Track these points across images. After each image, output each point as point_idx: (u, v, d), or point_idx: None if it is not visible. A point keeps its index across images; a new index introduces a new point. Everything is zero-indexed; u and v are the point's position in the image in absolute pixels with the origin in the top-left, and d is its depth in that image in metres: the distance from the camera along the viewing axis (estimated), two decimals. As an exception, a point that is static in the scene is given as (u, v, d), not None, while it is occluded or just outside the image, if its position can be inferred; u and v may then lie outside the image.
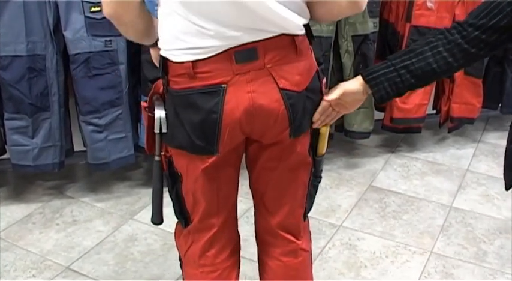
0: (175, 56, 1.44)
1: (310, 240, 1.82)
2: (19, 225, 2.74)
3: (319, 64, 1.73)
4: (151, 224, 1.72)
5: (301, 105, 1.49)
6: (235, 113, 1.43)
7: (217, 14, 1.36)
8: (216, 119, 1.42)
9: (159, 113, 1.52)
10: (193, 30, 1.39)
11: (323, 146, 1.64)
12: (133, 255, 2.54)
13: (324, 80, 1.59)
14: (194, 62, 1.41)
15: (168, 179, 1.63)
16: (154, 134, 1.55)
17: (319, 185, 1.76)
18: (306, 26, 1.48)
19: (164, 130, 1.52)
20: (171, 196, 1.66)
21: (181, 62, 1.42)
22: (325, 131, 1.61)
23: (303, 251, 1.74)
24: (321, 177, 1.73)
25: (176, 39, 1.42)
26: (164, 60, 1.47)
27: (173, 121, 1.50)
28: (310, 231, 1.83)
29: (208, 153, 1.48)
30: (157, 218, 1.69)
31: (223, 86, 1.41)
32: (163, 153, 1.59)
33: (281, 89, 1.44)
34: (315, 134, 1.61)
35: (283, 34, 1.42)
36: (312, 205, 1.76)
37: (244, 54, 1.40)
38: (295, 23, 1.42)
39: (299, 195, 1.66)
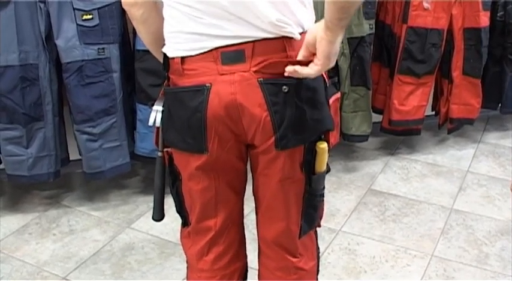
0: (169, 52, 1.45)
1: (316, 258, 1.73)
2: (15, 236, 2.72)
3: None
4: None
5: (290, 112, 1.42)
6: (218, 111, 1.40)
7: (205, 10, 1.35)
8: (200, 117, 1.41)
9: (157, 108, 1.54)
10: (183, 26, 1.39)
11: (321, 163, 1.52)
12: (130, 264, 2.51)
13: (336, 96, 1.51)
14: (183, 58, 1.41)
15: (169, 177, 1.62)
16: (158, 129, 1.56)
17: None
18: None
19: (158, 124, 1.54)
20: (172, 194, 1.65)
21: (173, 57, 1.44)
22: (323, 148, 1.50)
23: (300, 269, 1.66)
24: (322, 195, 1.61)
25: (170, 34, 1.44)
26: (164, 55, 1.48)
27: (168, 118, 1.50)
28: (317, 248, 1.74)
29: (198, 151, 1.47)
30: (157, 215, 1.67)
31: (207, 85, 1.40)
32: (166, 149, 1.58)
33: (264, 83, 1.39)
34: (312, 151, 1.50)
35: (275, 38, 1.37)
36: (312, 224, 1.65)
37: (230, 56, 1.38)
38: (285, 27, 1.37)
39: (293, 212, 1.57)
